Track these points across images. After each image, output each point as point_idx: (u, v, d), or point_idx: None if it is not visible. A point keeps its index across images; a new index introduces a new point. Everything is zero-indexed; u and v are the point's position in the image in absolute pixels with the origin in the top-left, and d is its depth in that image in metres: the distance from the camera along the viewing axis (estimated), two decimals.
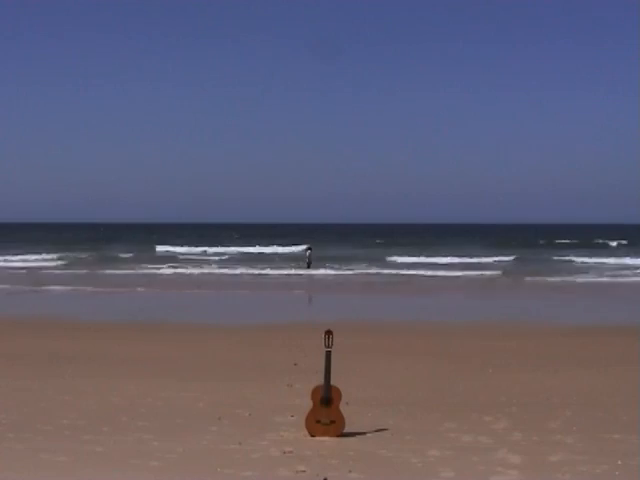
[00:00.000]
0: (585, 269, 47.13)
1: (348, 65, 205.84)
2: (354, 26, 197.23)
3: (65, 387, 12.32)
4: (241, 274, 43.44)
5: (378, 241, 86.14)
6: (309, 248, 48.27)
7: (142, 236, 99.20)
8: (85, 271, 44.95)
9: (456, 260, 54.50)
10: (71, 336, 18.42)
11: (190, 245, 72.31)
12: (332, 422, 9.32)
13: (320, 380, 9.43)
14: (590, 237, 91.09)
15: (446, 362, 14.98)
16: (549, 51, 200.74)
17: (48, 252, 61.43)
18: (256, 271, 44.98)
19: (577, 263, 52.83)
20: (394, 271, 45.09)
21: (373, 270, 46.30)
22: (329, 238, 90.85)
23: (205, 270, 46.34)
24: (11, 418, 10.18)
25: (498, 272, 43.76)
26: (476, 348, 16.81)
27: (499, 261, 53.98)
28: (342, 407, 9.43)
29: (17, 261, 53.45)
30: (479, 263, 52.08)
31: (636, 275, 42.72)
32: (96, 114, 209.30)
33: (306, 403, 9.69)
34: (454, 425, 9.94)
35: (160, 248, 69.83)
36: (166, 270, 45.43)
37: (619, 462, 8.30)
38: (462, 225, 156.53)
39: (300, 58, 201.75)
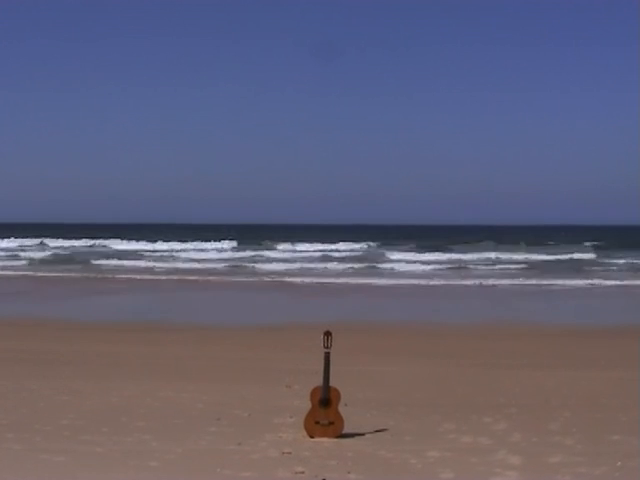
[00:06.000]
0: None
1: (349, 67, 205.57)
2: (354, 28, 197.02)
3: (64, 387, 12.32)
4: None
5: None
6: None
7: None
8: None
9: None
10: (70, 336, 18.42)
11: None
12: (331, 423, 9.31)
13: (319, 381, 9.43)
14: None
15: (445, 363, 14.98)
16: (547, 51, 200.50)
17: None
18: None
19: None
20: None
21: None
22: (332, 238, 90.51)
23: None
24: (10, 418, 10.17)
25: None
26: (476, 349, 16.82)
27: None
28: (341, 408, 9.42)
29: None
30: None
31: None
32: (96, 114, 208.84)
33: (305, 404, 9.68)
34: (453, 426, 9.93)
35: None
36: None
37: (619, 464, 8.29)
38: (463, 226, 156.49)
39: (300, 59, 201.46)
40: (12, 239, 76.25)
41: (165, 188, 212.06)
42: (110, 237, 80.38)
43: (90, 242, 76.49)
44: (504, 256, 58.10)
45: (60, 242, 76.57)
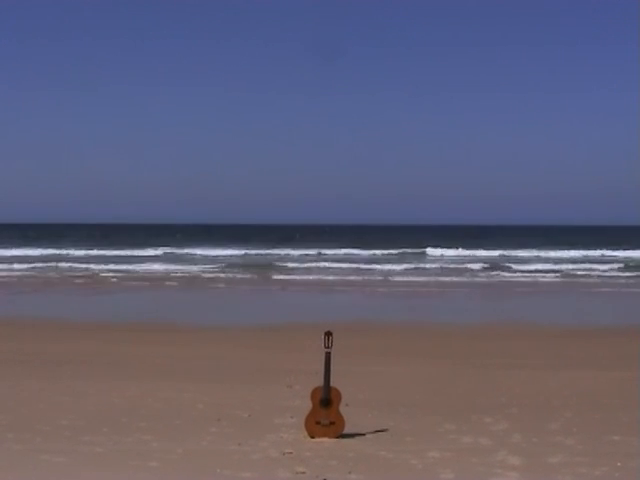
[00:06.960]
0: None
1: (350, 67, 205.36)
2: (356, 28, 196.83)
3: (64, 388, 12.32)
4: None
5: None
6: None
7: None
8: None
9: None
10: (70, 337, 18.42)
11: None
12: (332, 423, 9.31)
13: (320, 381, 9.43)
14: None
15: (446, 363, 14.98)
16: (546, 52, 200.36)
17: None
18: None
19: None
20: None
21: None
22: (332, 239, 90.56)
23: None
24: (10, 419, 10.17)
25: None
26: (476, 349, 16.81)
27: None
28: (342, 408, 9.42)
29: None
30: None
31: None
32: (96, 114, 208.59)
33: (306, 404, 9.68)
34: (454, 426, 9.93)
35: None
36: None
37: (619, 464, 8.29)
38: (464, 227, 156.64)
39: (301, 59, 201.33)
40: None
41: (165, 188, 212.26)
42: (111, 237, 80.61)
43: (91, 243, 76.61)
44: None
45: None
